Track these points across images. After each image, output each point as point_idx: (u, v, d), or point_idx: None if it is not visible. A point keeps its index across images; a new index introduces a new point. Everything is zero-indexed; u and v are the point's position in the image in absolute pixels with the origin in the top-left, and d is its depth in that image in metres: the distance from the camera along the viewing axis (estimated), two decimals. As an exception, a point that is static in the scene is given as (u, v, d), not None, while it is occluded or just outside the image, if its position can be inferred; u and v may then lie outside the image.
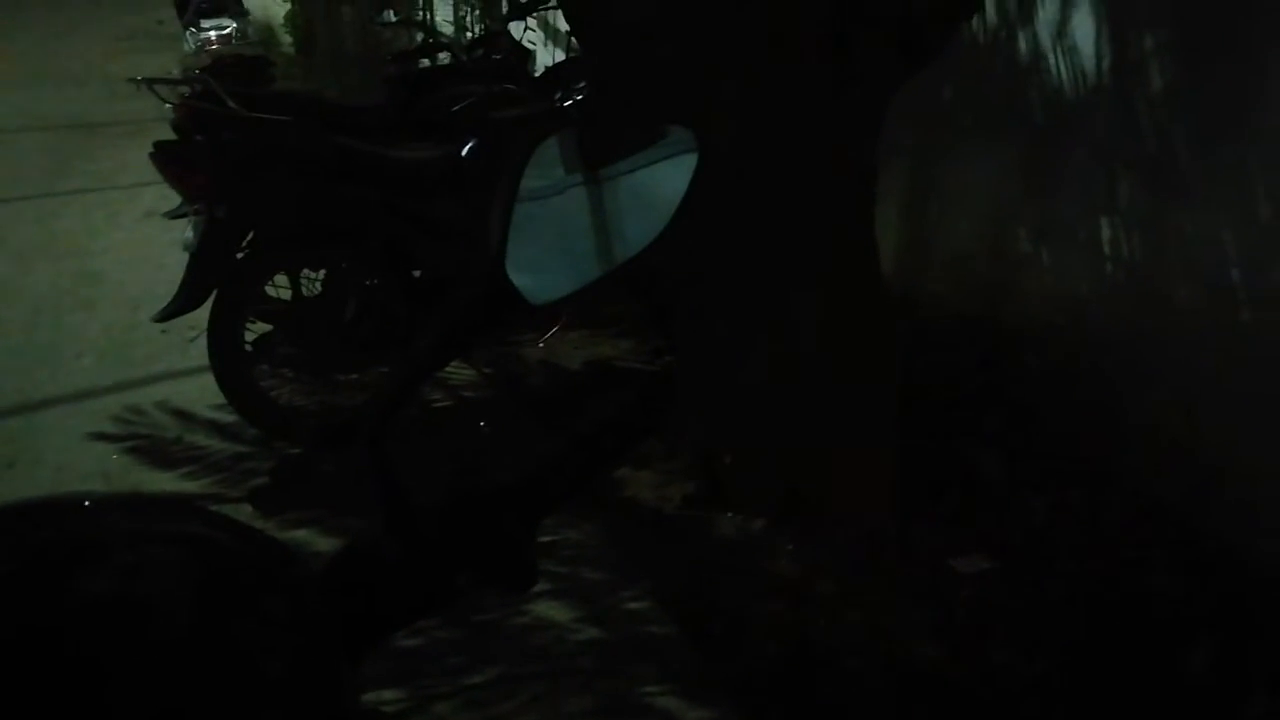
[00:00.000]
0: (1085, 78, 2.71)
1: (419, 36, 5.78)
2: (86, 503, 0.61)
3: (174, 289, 2.94)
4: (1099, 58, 2.66)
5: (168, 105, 3.11)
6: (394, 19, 7.07)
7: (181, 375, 3.39)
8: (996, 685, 2.07)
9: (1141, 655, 2.11)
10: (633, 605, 2.36)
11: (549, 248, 0.73)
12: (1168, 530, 2.43)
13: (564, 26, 4.56)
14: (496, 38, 4.30)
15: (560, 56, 4.90)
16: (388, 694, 1.95)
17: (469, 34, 6.41)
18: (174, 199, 3.05)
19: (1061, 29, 2.76)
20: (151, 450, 3.02)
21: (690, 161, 0.75)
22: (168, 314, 2.94)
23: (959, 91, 3.15)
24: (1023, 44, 2.90)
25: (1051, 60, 2.81)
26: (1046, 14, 2.81)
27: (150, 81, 3.26)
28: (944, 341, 3.06)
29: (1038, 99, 2.88)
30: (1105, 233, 2.71)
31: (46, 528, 0.57)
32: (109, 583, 0.54)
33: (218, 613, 0.55)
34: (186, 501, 0.65)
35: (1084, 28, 2.69)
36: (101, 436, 3.08)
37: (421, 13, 7.22)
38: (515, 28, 4.43)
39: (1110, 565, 2.36)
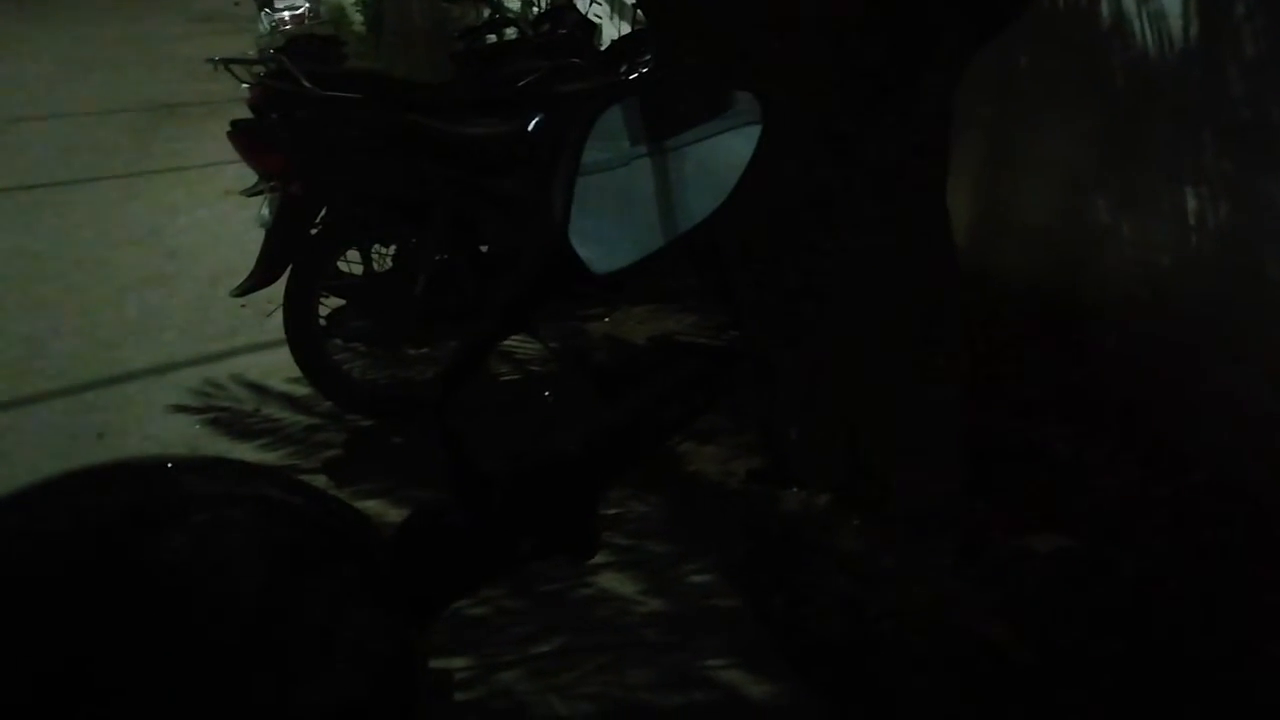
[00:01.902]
0: (1169, 41, 2.61)
1: (486, 13, 5.80)
2: (169, 465, 0.63)
3: (251, 265, 3.01)
4: (1184, 19, 2.55)
5: (244, 85, 3.18)
6: (461, -4, 7.10)
7: (258, 349, 3.48)
8: (1064, 666, 2.03)
9: (1217, 641, 2.05)
10: (697, 578, 2.37)
11: (612, 218, 0.73)
12: (1248, 512, 2.34)
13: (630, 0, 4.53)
14: (562, 12, 4.30)
15: (626, 30, 4.87)
16: (455, 661, 2.00)
17: (535, 9, 6.42)
18: (251, 177, 3.12)
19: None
20: (230, 422, 3.11)
21: (754, 132, 0.74)
22: (245, 289, 3.02)
23: (1035, 58, 3.05)
24: (1104, 6, 2.80)
25: (1134, 23, 2.71)
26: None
27: (227, 61, 3.34)
28: (1018, 316, 2.99)
29: (1118, 64, 2.78)
30: (1189, 203, 2.61)
31: (132, 488, 0.59)
32: (189, 542, 0.56)
33: (293, 574, 0.57)
34: (263, 466, 0.67)
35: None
36: (184, 408, 3.19)
37: (488, -11, 7.24)
38: (581, 2, 4.42)
39: (1187, 547, 2.29)
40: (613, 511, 2.48)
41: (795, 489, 2.59)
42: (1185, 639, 2.06)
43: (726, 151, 0.75)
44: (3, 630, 0.50)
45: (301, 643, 0.55)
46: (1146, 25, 2.67)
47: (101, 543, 0.55)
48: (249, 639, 0.54)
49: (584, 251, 0.68)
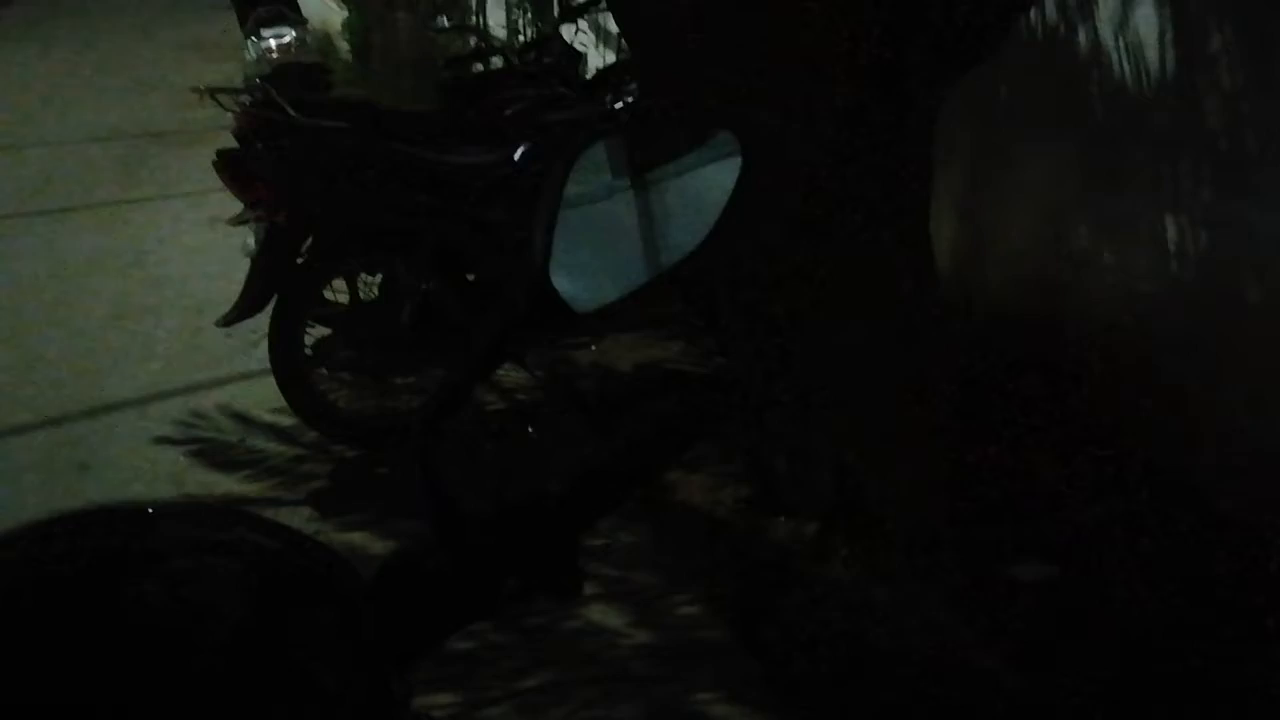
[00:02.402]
0: (1147, 70, 2.64)
1: (472, 42, 5.84)
2: (149, 510, 0.62)
3: (237, 294, 3.00)
4: (1161, 48, 2.59)
5: (230, 113, 3.18)
6: (447, 25, 7.16)
7: (245, 379, 3.46)
8: (1056, 695, 2.02)
9: (1210, 669, 2.04)
10: (686, 610, 2.36)
11: (595, 253, 0.73)
12: (1235, 538, 2.35)
13: (615, 28, 4.57)
14: (548, 41, 4.33)
15: (612, 58, 4.91)
16: (440, 698, 1.97)
17: (521, 38, 6.47)
18: (237, 205, 3.12)
19: (1122, 19, 2.69)
20: (215, 453, 3.09)
21: (735, 165, 0.74)
22: (231, 319, 3.02)
23: (1014, 86, 3.08)
24: (1081, 36, 2.83)
25: (1112, 52, 2.74)
26: (1106, 4, 2.74)
27: (213, 91, 3.34)
28: (1002, 342, 3.00)
29: (1097, 93, 2.81)
30: (1170, 230, 2.63)
31: (105, 535, 0.58)
32: (164, 590, 0.55)
33: (270, 620, 0.56)
34: (242, 510, 0.66)
35: (1146, 18, 2.61)
36: (169, 439, 3.16)
37: (474, 18, 7.31)
38: (567, 31, 4.45)
39: (1175, 574, 2.29)
40: (600, 542, 2.47)
41: (784, 518, 2.59)
42: (1178, 668, 2.05)
43: (709, 185, 0.75)
44: None
45: (279, 689, 0.54)
46: (1123, 52, 2.70)
47: (77, 590, 0.54)
48: (226, 685, 0.53)
49: (566, 289, 0.68)
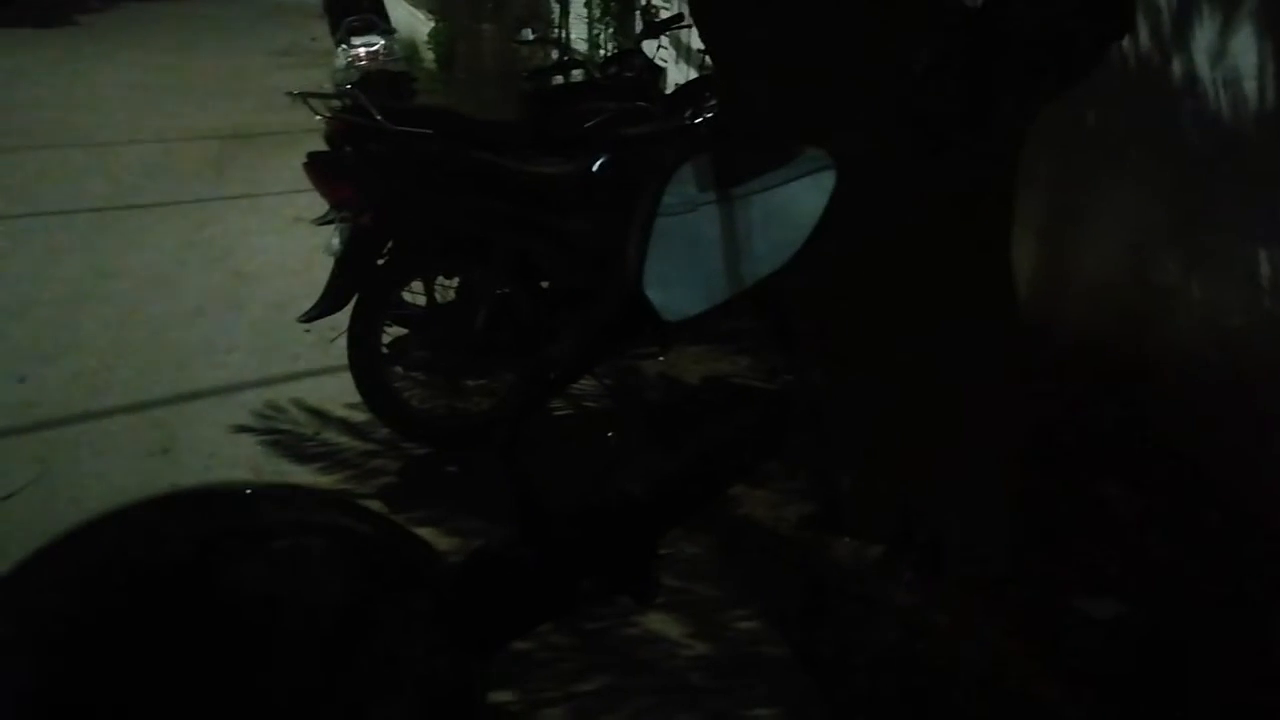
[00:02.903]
0: (1239, 98, 2.57)
1: (555, 54, 5.92)
2: (248, 491, 0.65)
3: (319, 292, 3.09)
4: (1257, 77, 2.52)
5: (319, 117, 3.28)
6: (531, 37, 7.26)
7: (321, 374, 3.56)
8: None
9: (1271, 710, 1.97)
10: (744, 624, 2.35)
11: (684, 266, 0.75)
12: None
13: (696, 45, 4.60)
14: (629, 56, 4.37)
15: (692, 74, 4.94)
16: (499, 695, 2.00)
17: (603, 52, 6.54)
18: (323, 206, 3.21)
19: (1217, 48, 2.63)
20: (290, 444, 3.18)
21: (827, 181, 0.75)
22: (312, 315, 3.10)
23: (1104, 113, 3.02)
24: (1176, 65, 2.77)
25: (1205, 81, 2.68)
26: (1199, 33, 2.68)
27: (304, 95, 3.44)
28: (1080, 373, 2.94)
29: (1188, 121, 2.75)
30: (1259, 262, 2.56)
31: (207, 515, 0.61)
32: (264, 570, 0.58)
33: (364, 603, 0.59)
34: (338, 495, 0.69)
35: (1240, 46, 2.55)
36: (247, 428, 3.26)
37: (558, 31, 7.41)
38: (648, 46, 4.49)
39: (1250, 616, 2.22)
40: (663, 552, 2.47)
41: (847, 538, 2.56)
42: (1248, 713, 1.98)
43: (798, 202, 0.76)
44: (88, 655, 0.52)
45: (372, 670, 0.56)
46: (1215, 82, 2.64)
47: (179, 569, 0.57)
48: (322, 665, 0.55)
49: (655, 299, 0.70)
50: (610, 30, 6.74)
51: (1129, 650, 2.18)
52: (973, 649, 2.22)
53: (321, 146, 3.18)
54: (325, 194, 3.11)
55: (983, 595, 2.32)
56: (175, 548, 0.58)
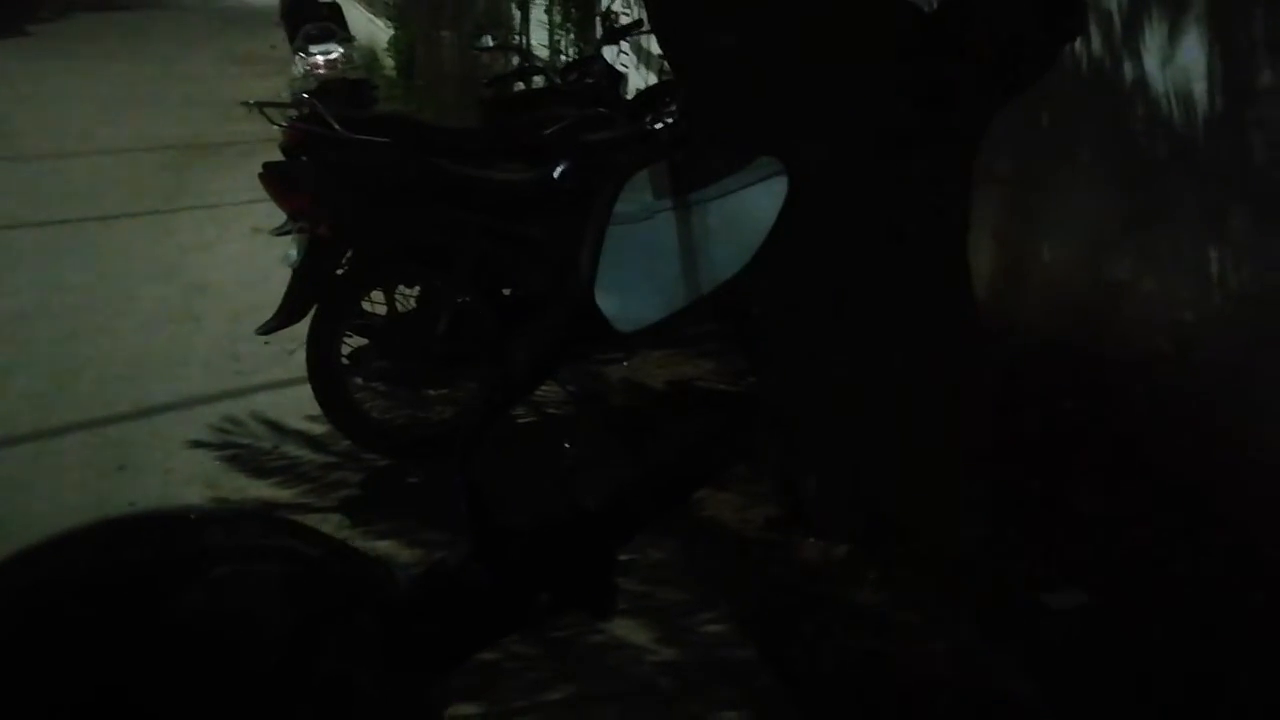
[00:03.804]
0: (1190, 100, 2.62)
1: (515, 61, 5.91)
2: (191, 515, 0.63)
3: (277, 303, 3.05)
4: (1207, 79, 2.57)
5: (276, 127, 3.24)
6: (491, 44, 7.25)
7: (281, 386, 3.51)
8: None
9: (1246, 701, 2.00)
10: (712, 628, 2.35)
11: (639, 275, 0.74)
12: (1274, 569, 2.30)
13: (657, 50, 4.60)
14: (590, 62, 4.37)
15: (652, 80, 4.94)
16: (465, 708, 1.98)
17: (563, 58, 6.53)
18: (280, 216, 3.17)
19: (1166, 50, 2.68)
20: (249, 458, 3.13)
21: (780, 187, 0.75)
22: (270, 327, 3.06)
23: (1057, 115, 3.07)
24: (1127, 66, 2.82)
25: (1155, 82, 2.72)
26: (1150, 35, 2.73)
27: (260, 105, 3.41)
28: (1040, 369, 2.98)
29: (1140, 123, 2.79)
30: (1212, 259, 2.61)
31: (149, 540, 0.59)
32: (207, 595, 0.56)
33: (310, 627, 0.57)
34: (283, 517, 0.67)
35: (1190, 49, 2.60)
36: (204, 444, 3.21)
37: (518, 37, 7.39)
38: (609, 51, 4.49)
39: (1213, 605, 2.25)
40: (627, 557, 2.47)
41: (813, 539, 2.57)
42: (1214, 701, 2.01)
43: (752, 210, 0.76)
44: (23, 680, 0.50)
45: (317, 695, 0.55)
46: (1166, 83, 2.68)
47: (121, 595, 0.55)
48: (267, 692, 0.54)
49: (610, 308, 0.69)
50: (571, 36, 6.73)
51: (1095, 641, 2.20)
52: (940, 646, 2.23)
53: (278, 156, 3.14)
54: (282, 205, 3.08)
55: (949, 592, 2.34)
56: (116, 575, 0.57)
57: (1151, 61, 2.73)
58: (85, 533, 0.58)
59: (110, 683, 0.51)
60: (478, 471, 0.66)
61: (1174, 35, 2.66)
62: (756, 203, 0.76)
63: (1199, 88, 2.59)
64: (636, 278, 0.72)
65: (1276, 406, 2.43)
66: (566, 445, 3.02)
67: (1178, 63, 2.65)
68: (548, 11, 6.97)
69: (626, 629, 2.28)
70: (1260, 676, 2.05)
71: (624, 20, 5.12)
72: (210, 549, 0.61)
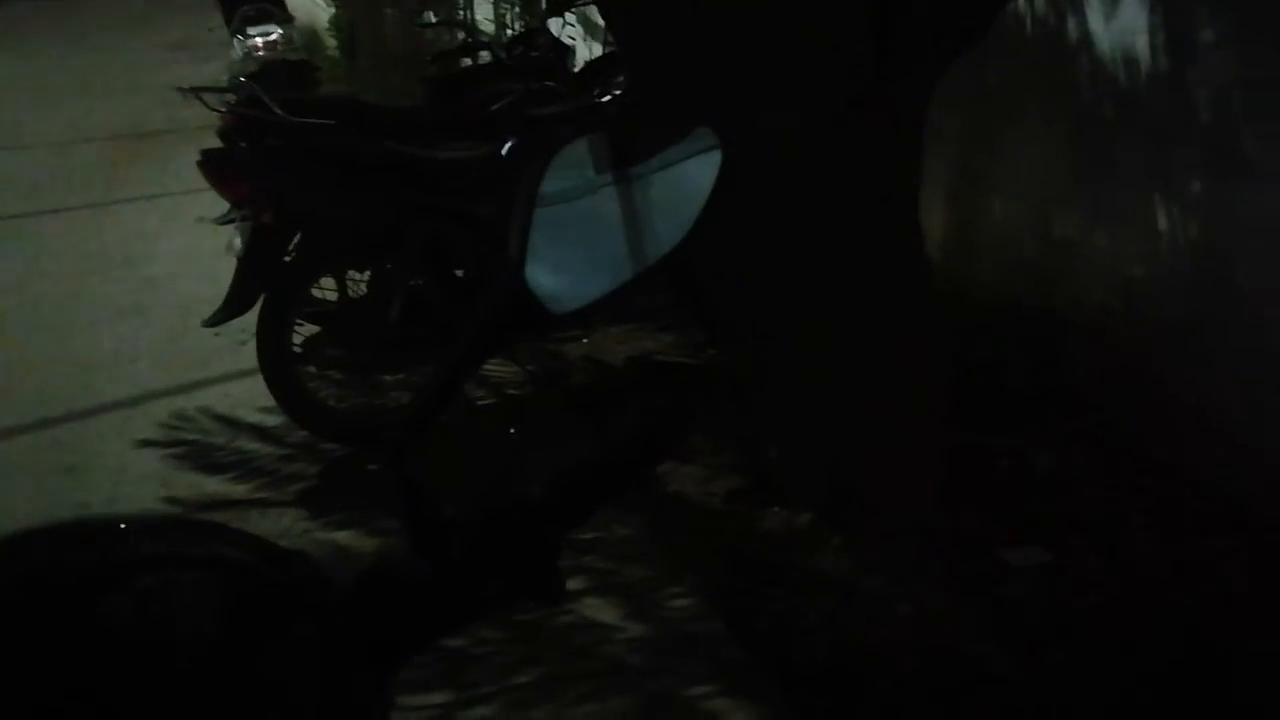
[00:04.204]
0: (1135, 55, 2.64)
1: (460, 37, 5.81)
2: (121, 525, 0.61)
3: (224, 294, 2.98)
4: (1149, 34, 2.58)
5: (215, 113, 3.16)
6: (435, 20, 7.12)
7: (232, 378, 3.45)
8: (1051, 683, 2.02)
9: (1200, 651, 2.05)
10: (678, 602, 2.36)
11: (575, 252, 0.72)
12: (1227, 524, 2.35)
13: (603, 21, 4.54)
14: (536, 35, 4.31)
15: (599, 51, 4.89)
16: (431, 696, 1.97)
17: (509, 32, 6.44)
18: (223, 205, 3.10)
19: (1109, 6, 2.69)
20: (203, 454, 3.08)
21: (715, 159, 0.74)
22: (218, 319, 3.00)
23: (1004, 73, 3.07)
24: (1070, 23, 2.83)
25: (1100, 39, 2.73)
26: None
27: (197, 90, 3.31)
28: (994, 330, 3.01)
29: (1086, 79, 2.80)
30: (1161, 216, 2.63)
31: (77, 551, 0.57)
32: (135, 606, 0.54)
33: (244, 635, 0.55)
34: (216, 524, 0.65)
35: (1133, 4, 2.61)
36: (156, 440, 3.14)
37: (462, 12, 7.27)
38: (555, 24, 4.43)
39: (1168, 557, 2.29)
40: (591, 535, 2.46)
41: (776, 508, 2.58)
42: (1172, 654, 2.05)
43: (689, 182, 0.74)
44: None
45: (251, 705, 0.53)
46: (1112, 38, 2.69)
47: (47, 606, 0.53)
48: (197, 702, 0.52)
49: (545, 288, 0.67)
50: (516, 10, 6.63)
51: (1055, 597, 2.24)
52: (906, 609, 2.25)
53: (218, 143, 3.06)
54: (223, 192, 3.01)
55: (910, 554, 2.36)
56: (35, 586, 0.54)
57: (1095, 17, 2.74)
58: (6, 542, 0.56)
59: (35, 695, 0.49)
60: (415, 463, 0.64)
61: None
62: (693, 175, 0.74)
63: (1142, 42, 2.60)
64: (571, 256, 0.70)
65: (1224, 360, 2.47)
66: (511, 431, 2.99)
67: (1121, 18, 2.66)
68: (492, -15, 6.86)
69: (594, 607, 2.28)
70: (1216, 626, 2.09)
71: (569, -8, 5.04)
72: (138, 557, 0.59)
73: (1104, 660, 2.06)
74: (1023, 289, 3.07)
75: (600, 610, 2.28)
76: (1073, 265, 2.93)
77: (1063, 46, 2.85)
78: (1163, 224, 2.63)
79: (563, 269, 0.69)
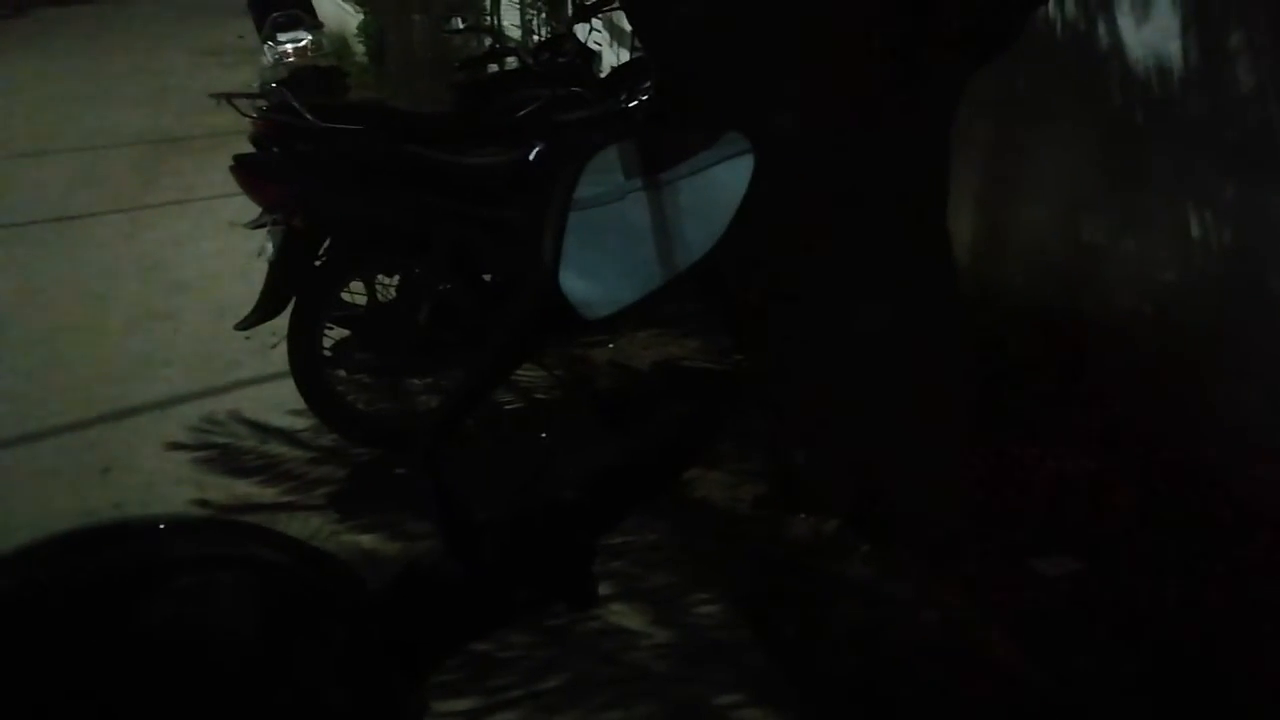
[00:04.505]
0: (1169, 60, 2.61)
1: (487, 43, 5.84)
2: (160, 526, 0.62)
3: (255, 297, 3.01)
4: (1182, 38, 2.55)
5: (246, 118, 3.19)
6: (462, 26, 7.16)
7: (264, 381, 3.48)
8: (1081, 691, 2.00)
9: (1233, 660, 2.01)
10: (705, 609, 2.35)
11: (606, 259, 0.72)
12: (1261, 531, 2.31)
13: (628, 27, 4.55)
14: (562, 40, 4.32)
15: (626, 57, 4.89)
16: (459, 700, 1.97)
17: (535, 38, 6.46)
18: (254, 209, 3.13)
19: (1142, 10, 2.66)
20: (234, 456, 3.10)
21: (747, 164, 0.73)
22: (249, 322, 3.03)
23: (1034, 78, 3.05)
24: (1102, 28, 2.80)
25: (1132, 43, 2.70)
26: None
27: (228, 96, 3.35)
28: (1023, 335, 2.98)
29: (1117, 84, 2.77)
30: (1192, 221, 2.60)
31: (116, 552, 0.58)
32: (173, 606, 0.55)
33: (279, 636, 0.56)
34: (252, 525, 0.65)
35: (1164, 9, 2.58)
36: (188, 442, 3.18)
37: (489, 18, 7.31)
38: (581, 30, 4.44)
39: (1200, 568, 2.26)
40: (618, 540, 2.46)
41: (803, 515, 2.57)
42: (1202, 662, 2.02)
43: (720, 187, 0.74)
44: None
45: (286, 706, 0.53)
46: (1143, 43, 2.66)
47: (87, 608, 0.54)
48: (233, 703, 0.52)
49: (577, 294, 0.67)
50: (542, 15, 6.66)
51: (1085, 605, 2.21)
52: (933, 617, 2.23)
53: (249, 148, 3.09)
54: (255, 197, 3.03)
55: (938, 562, 2.34)
56: (74, 587, 0.55)
57: (1127, 22, 2.71)
58: (48, 545, 0.57)
59: (75, 695, 0.50)
60: (449, 464, 0.65)
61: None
62: (725, 180, 0.74)
63: (1174, 46, 2.57)
64: (603, 262, 0.70)
65: (1257, 366, 2.44)
66: (543, 435, 3.00)
67: (1154, 22, 2.63)
68: (518, -9, 6.90)
69: (620, 613, 2.28)
70: (1250, 636, 2.06)
71: (595, -3, 5.05)
72: (176, 559, 0.59)
73: (1136, 670, 2.03)
74: (1052, 293, 3.04)
75: (626, 616, 2.28)
76: (1102, 270, 2.90)
77: (1093, 51, 2.82)
78: (1194, 229, 2.60)
79: (595, 274, 0.69)
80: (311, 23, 8.11)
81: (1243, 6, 2.41)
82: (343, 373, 3.10)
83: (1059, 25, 2.91)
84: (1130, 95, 2.75)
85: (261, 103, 3.38)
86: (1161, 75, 2.63)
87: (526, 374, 3.42)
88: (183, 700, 0.52)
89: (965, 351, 2.42)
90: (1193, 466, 2.52)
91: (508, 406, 3.28)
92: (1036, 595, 2.26)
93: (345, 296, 3.11)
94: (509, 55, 4.84)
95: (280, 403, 3.27)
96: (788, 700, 2.07)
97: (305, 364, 2.96)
